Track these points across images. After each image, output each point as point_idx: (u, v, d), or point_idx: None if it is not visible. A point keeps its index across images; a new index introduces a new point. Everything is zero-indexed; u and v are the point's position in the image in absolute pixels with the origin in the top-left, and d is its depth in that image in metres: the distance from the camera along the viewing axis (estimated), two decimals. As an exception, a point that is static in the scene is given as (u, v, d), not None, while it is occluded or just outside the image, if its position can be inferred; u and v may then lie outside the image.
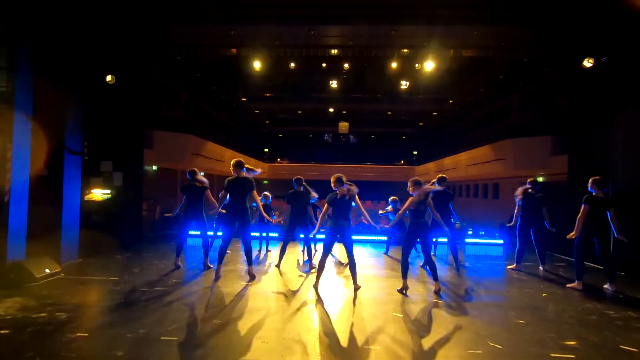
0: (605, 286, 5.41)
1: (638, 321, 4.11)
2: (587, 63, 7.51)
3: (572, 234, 5.29)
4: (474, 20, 8.42)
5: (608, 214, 5.21)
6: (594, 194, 5.28)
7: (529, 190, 6.56)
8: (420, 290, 5.25)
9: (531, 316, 4.19)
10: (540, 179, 13.78)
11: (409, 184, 5.09)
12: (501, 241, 8.67)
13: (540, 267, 6.70)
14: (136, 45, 8.96)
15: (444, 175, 6.70)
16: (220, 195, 5.50)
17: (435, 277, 5.00)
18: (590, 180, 5.35)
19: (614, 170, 6.95)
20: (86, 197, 7.70)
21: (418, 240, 5.06)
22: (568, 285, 5.52)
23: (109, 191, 8.26)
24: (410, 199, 5.01)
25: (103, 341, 3.30)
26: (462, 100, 18.09)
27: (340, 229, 4.95)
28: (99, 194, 8.17)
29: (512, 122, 16.80)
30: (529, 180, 6.72)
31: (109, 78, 8.01)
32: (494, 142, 15.30)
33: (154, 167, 14.65)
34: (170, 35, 9.70)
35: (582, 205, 5.23)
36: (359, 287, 4.99)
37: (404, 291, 5.02)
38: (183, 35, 9.77)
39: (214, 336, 3.46)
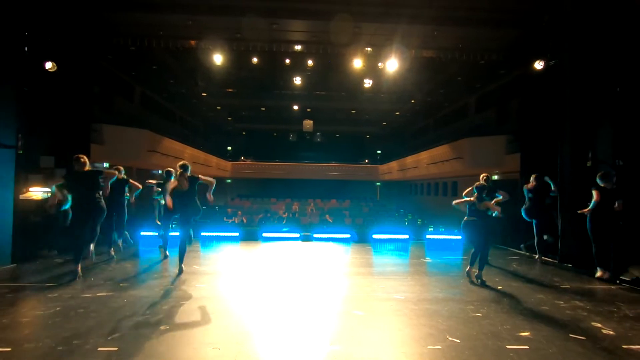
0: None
1: (584, 310, 4.30)
2: (538, 65, 7.88)
3: None
4: (434, 21, 8.57)
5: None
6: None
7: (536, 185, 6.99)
8: (383, 286, 5.21)
9: (488, 309, 4.26)
10: (495, 177, 14.44)
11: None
12: (460, 237, 8.92)
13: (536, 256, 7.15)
14: (83, 31, 8.27)
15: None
16: None
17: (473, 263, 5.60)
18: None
19: (563, 168, 7.32)
20: (22, 196, 6.97)
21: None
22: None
23: (50, 189, 7.55)
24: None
25: (27, 356, 2.91)
26: (423, 101, 18.55)
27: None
28: (38, 192, 7.44)
29: (469, 123, 17.46)
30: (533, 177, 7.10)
31: (49, 65, 7.32)
32: (452, 141, 15.80)
33: (106, 164, 13.71)
34: (121, 22, 9.05)
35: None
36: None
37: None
38: (136, 23, 9.16)
39: (160, 344, 3.17)
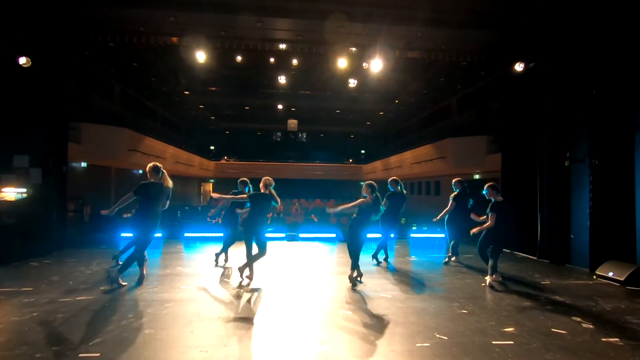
0: (488, 278, 5.39)
1: (564, 305, 4.44)
2: (518, 67, 8.08)
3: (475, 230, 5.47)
4: (418, 22, 8.67)
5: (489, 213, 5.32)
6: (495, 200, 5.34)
7: (460, 192, 6.93)
8: (370, 285, 5.23)
9: (473, 306, 4.34)
10: (477, 177, 14.75)
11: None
12: (443, 235, 9.06)
13: (453, 258, 7.04)
14: (59, 26, 7.97)
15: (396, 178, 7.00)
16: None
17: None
18: (488, 185, 5.45)
19: (542, 167, 7.54)
20: (-5, 197, 6.69)
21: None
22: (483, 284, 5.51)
23: (24, 190, 7.26)
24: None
25: (4, 364, 2.78)
26: (406, 101, 18.76)
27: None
28: (11, 192, 7.15)
29: (452, 123, 17.77)
30: (454, 180, 7.11)
31: (23, 61, 7.02)
32: (435, 141, 16.04)
33: (83, 164, 13.29)
34: (100, 17, 8.76)
35: (491, 214, 5.25)
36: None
37: (358, 278, 5.33)
38: (116, 18, 8.88)
39: (145, 349, 3.08)
